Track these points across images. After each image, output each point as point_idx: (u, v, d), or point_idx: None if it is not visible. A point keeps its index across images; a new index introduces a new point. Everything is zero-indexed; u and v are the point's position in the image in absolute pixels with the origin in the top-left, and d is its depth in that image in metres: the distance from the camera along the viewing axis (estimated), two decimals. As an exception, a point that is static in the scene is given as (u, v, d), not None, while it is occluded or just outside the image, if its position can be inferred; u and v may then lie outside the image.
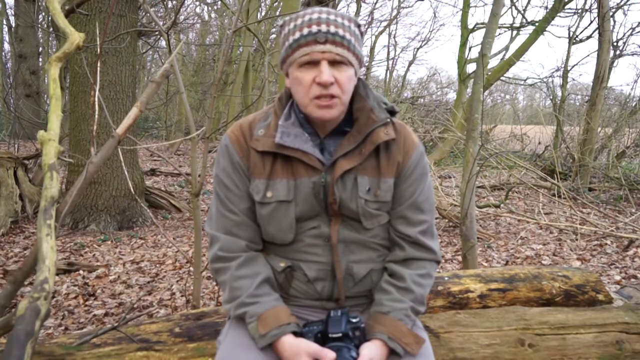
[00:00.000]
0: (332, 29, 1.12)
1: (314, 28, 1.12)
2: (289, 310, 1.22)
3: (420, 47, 21.76)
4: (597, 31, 7.93)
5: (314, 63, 1.13)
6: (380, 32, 16.87)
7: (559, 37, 24.77)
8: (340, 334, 1.16)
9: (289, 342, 1.14)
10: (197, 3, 13.63)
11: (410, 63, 18.41)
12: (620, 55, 9.43)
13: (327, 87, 1.12)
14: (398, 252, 1.28)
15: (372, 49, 16.43)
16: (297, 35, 1.13)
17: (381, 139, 1.21)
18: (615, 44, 9.09)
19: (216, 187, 1.28)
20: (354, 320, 1.19)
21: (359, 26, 1.18)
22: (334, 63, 1.13)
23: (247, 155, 1.24)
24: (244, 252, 1.25)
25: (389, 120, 1.23)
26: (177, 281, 3.52)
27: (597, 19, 7.85)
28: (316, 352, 1.12)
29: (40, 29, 11.52)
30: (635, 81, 19.80)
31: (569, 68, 9.82)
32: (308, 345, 1.14)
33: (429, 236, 1.29)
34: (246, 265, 1.23)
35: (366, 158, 1.22)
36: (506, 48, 11.86)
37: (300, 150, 1.19)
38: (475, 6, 23.48)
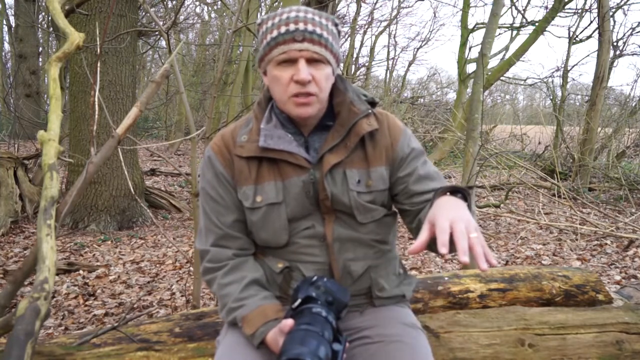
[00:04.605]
0: (310, 27, 1.12)
1: (292, 26, 1.12)
2: (279, 306, 1.21)
3: (420, 47, 21.69)
4: (597, 31, 7.92)
5: (291, 61, 1.13)
6: (380, 32, 16.81)
7: (559, 37, 24.61)
8: (299, 300, 1.14)
9: (274, 336, 1.13)
10: (197, 3, 13.64)
11: (410, 63, 18.33)
12: (620, 55, 9.41)
13: (305, 85, 1.13)
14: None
15: (372, 49, 16.42)
16: (275, 33, 1.13)
17: (364, 130, 1.21)
18: (615, 44, 9.07)
19: (202, 201, 1.28)
20: (313, 279, 1.17)
21: (336, 25, 1.19)
22: (311, 61, 1.13)
23: (231, 164, 1.24)
24: (231, 260, 1.25)
25: (370, 111, 1.24)
26: (177, 281, 3.52)
27: (597, 19, 7.84)
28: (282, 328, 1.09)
29: (40, 29, 11.53)
30: (635, 81, 19.71)
31: (569, 68, 9.81)
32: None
33: None
34: (232, 272, 1.24)
35: (352, 151, 1.22)
36: (506, 48, 11.88)
37: (286, 151, 1.20)
38: (475, 6, 23.46)
